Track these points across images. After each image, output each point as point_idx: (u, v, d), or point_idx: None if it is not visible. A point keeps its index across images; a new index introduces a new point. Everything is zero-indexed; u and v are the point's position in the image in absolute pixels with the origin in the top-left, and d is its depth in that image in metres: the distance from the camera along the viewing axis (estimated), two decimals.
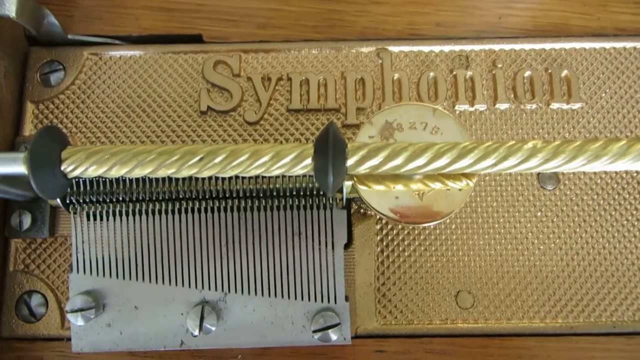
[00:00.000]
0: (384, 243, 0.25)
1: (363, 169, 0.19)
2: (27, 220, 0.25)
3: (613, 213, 0.25)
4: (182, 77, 0.27)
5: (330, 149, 0.18)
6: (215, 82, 0.27)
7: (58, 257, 0.25)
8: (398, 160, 0.19)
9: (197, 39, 0.27)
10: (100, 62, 0.27)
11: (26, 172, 0.19)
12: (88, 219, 0.22)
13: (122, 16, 0.28)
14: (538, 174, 0.26)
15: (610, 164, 0.19)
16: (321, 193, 0.22)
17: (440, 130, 0.21)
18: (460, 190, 0.21)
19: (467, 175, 0.22)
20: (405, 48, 0.27)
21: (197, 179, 0.21)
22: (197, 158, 0.19)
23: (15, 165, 0.19)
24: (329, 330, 0.21)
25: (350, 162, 0.19)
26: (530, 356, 0.24)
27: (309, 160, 0.19)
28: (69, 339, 0.24)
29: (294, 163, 0.19)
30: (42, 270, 0.25)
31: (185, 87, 0.27)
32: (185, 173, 0.19)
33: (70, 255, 0.25)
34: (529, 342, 0.24)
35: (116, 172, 0.19)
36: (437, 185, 0.22)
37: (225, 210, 0.22)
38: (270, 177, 0.21)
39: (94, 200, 0.22)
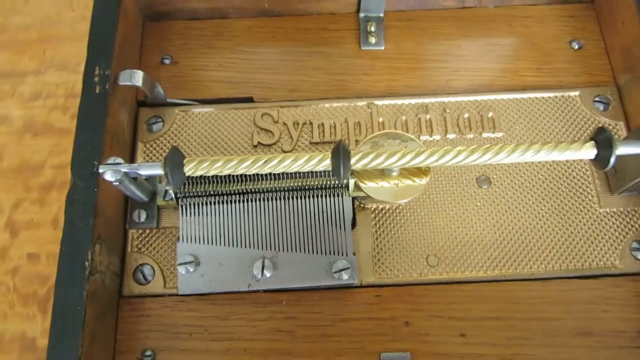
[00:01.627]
0: (377, 225, 0.37)
1: (360, 165, 0.32)
2: (142, 216, 0.38)
3: (527, 202, 0.38)
4: (240, 124, 0.41)
5: (341, 153, 0.31)
6: (262, 126, 0.40)
7: (161, 242, 0.37)
8: (380, 159, 0.32)
9: (249, 100, 0.42)
10: (186, 116, 0.41)
11: (163, 172, 0.32)
12: (189, 206, 0.35)
13: (200, 86, 0.42)
14: (476, 178, 0.39)
15: (507, 158, 0.32)
16: (337, 186, 0.35)
17: (406, 145, 0.35)
18: (420, 182, 0.35)
19: (424, 172, 0.35)
20: (386, 102, 0.41)
21: (259, 177, 0.34)
22: (262, 161, 0.32)
23: (156, 169, 0.32)
24: (343, 272, 0.33)
25: (352, 160, 0.32)
26: (476, 295, 0.36)
27: (328, 161, 0.32)
28: (169, 295, 0.36)
29: (319, 162, 0.32)
30: (150, 250, 0.37)
31: (243, 130, 0.40)
32: (254, 171, 0.32)
33: (170, 240, 0.37)
34: (475, 286, 0.36)
35: (213, 171, 0.32)
36: (406, 180, 0.35)
37: (277, 199, 0.35)
38: (304, 177, 0.34)
39: (193, 193, 0.35)
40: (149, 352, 0.34)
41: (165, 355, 0.34)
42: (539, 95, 0.41)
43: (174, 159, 0.31)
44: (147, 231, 0.37)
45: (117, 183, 0.32)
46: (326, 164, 0.32)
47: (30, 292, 0.42)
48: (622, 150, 0.31)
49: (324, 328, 0.35)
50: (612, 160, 0.31)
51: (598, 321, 0.35)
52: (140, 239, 0.37)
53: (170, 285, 0.36)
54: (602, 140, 0.31)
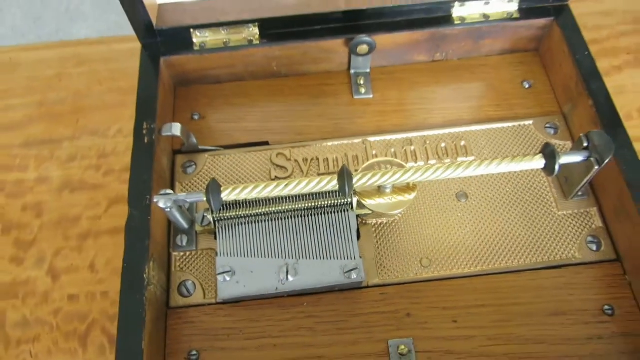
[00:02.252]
0: (377, 237, 0.45)
1: (361, 183, 0.40)
2: (184, 240, 0.45)
3: (499, 210, 0.46)
4: (259, 163, 0.49)
5: (345, 175, 0.40)
6: (277, 163, 0.49)
7: (200, 261, 0.45)
8: (377, 177, 0.40)
9: (266, 143, 0.50)
10: (215, 160, 0.50)
11: (205, 198, 0.40)
12: (225, 227, 0.43)
13: (224, 135, 0.51)
14: (456, 193, 0.47)
15: (475, 170, 0.40)
16: (343, 204, 0.43)
17: (394, 168, 0.43)
18: (409, 197, 0.43)
19: (412, 188, 0.43)
20: (377, 138, 0.50)
21: (280, 200, 0.42)
22: (283, 185, 0.40)
23: (200, 196, 0.40)
24: (352, 272, 0.41)
25: (354, 180, 0.40)
26: (464, 288, 0.43)
27: (335, 182, 0.40)
28: (208, 304, 0.43)
29: (328, 183, 0.40)
30: (191, 269, 0.45)
31: (262, 168, 0.49)
32: (276, 193, 0.40)
33: (207, 259, 0.45)
34: (462, 280, 0.43)
35: (244, 195, 0.40)
36: (398, 196, 0.43)
37: (295, 217, 0.43)
38: (316, 198, 0.43)
39: (228, 217, 0.43)
40: (194, 352, 0.41)
41: (208, 354, 0.41)
42: (500, 125, 0.50)
43: (214, 188, 0.40)
44: (188, 253, 0.45)
45: (168, 209, 0.41)
46: (334, 185, 0.40)
47: (71, 330, 0.47)
48: (563, 159, 0.40)
49: (339, 323, 0.42)
50: (557, 167, 0.40)
51: (565, 303, 0.42)
52: (182, 259, 0.45)
53: (209, 296, 0.43)
54: (548, 152, 0.40)
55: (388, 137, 0.50)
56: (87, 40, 0.68)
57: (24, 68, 0.64)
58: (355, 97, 0.52)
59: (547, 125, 0.50)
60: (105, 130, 0.58)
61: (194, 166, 0.49)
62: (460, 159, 0.48)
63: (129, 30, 0.51)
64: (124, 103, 0.60)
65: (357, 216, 0.45)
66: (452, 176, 0.40)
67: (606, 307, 0.42)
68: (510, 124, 0.50)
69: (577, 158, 0.41)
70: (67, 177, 0.55)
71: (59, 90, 0.61)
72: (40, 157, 0.57)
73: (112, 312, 0.48)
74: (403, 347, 0.40)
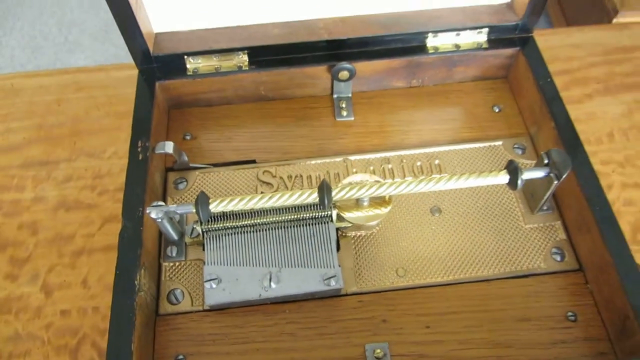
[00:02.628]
0: (356, 248, 0.48)
1: (339, 196, 0.43)
2: (174, 251, 0.48)
3: (470, 224, 0.49)
4: (247, 180, 0.52)
5: (324, 188, 0.43)
6: (264, 180, 0.52)
7: (188, 271, 0.47)
8: (353, 191, 0.43)
9: (253, 161, 0.53)
10: (205, 177, 0.53)
11: (194, 210, 0.43)
12: (212, 238, 0.46)
13: (215, 154, 0.54)
14: (430, 208, 0.50)
15: (446, 185, 0.44)
16: (323, 217, 0.46)
17: (370, 182, 0.47)
18: (385, 210, 0.46)
19: (387, 202, 0.46)
20: (357, 157, 0.53)
21: (264, 212, 0.45)
22: (267, 197, 0.43)
23: (189, 208, 0.43)
24: (331, 279, 0.44)
25: (333, 193, 0.43)
26: (437, 296, 0.45)
27: (315, 195, 0.43)
28: (195, 311, 0.45)
29: (309, 195, 0.43)
30: (179, 278, 0.47)
31: (249, 184, 0.52)
32: (261, 205, 0.43)
33: (195, 269, 0.47)
34: (435, 289, 0.46)
35: (231, 207, 0.43)
36: (375, 210, 0.46)
37: (279, 228, 0.46)
38: (299, 211, 0.46)
39: (215, 228, 0.46)
40: (181, 356, 0.43)
41: (194, 359, 0.43)
42: (472, 146, 0.54)
43: (202, 199, 0.43)
44: (177, 263, 0.48)
45: (159, 220, 0.43)
46: (314, 197, 0.43)
47: (62, 344, 0.49)
48: (525, 175, 0.44)
49: (319, 328, 0.44)
50: (519, 182, 0.43)
51: (531, 310, 0.45)
52: (172, 269, 0.47)
53: (196, 304, 0.46)
54: (512, 169, 0.44)
55: (367, 157, 0.53)
56: (86, 68, 0.72)
57: (25, 93, 0.67)
58: (338, 119, 0.56)
59: (515, 146, 0.53)
60: (101, 152, 0.61)
61: (185, 182, 0.52)
62: (434, 176, 0.52)
63: (126, 60, 0.55)
64: (120, 127, 0.63)
65: (337, 229, 0.48)
66: (423, 190, 0.43)
67: (569, 313, 0.44)
68: (481, 145, 0.54)
69: (538, 174, 0.44)
70: (63, 196, 0.57)
71: (57, 114, 0.64)
72: (37, 177, 0.59)
73: (103, 327, 0.49)
74: (379, 351, 0.43)
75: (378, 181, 0.47)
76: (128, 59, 0.56)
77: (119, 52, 1.89)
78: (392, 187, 0.43)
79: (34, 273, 0.53)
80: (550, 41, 0.69)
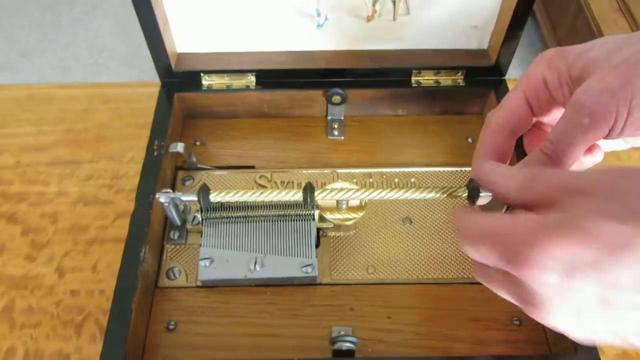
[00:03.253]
0: (334, 247, 0.55)
1: (320, 197, 0.50)
2: (176, 235, 0.55)
3: (437, 233, 0.56)
4: (245, 182, 0.60)
5: (308, 189, 0.50)
6: (260, 183, 0.60)
7: (187, 253, 0.54)
8: (333, 193, 0.51)
9: (252, 167, 0.61)
10: (209, 177, 0.60)
11: (197, 198, 0.50)
12: (210, 225, 0.53)
13: (219, 158, 0.62)
14: (402, 218, 0.57)
15: (412, 195, 0.51)
16: (307, 215, 0.53)
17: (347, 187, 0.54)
18: (360, 214, 0.53)
19: (362, 208, 0.54)
20: (344, 170, 0.61)
21: (256, 206, 0.53)
22: (259, 192, 0.51)
23: (193, 196, 0.50)
24: (308, 267, 0.50)
25: (316, 193, 0.51)
26: (400, 292, 0.52)
27: (300, 194, 0.51)
28: (189, 287, 0.52)
29: (294, 194, 0.50)
30: (179, 258, 0.54)
31: (246, 185, 0.59)
32: (254, 198, 0.50)
33: (193, 252, 0.54)
34: (399, 286, 0.52)
35: (228, 198, 0.51)
36: (352, 212, 0.54)
37: (267, 221, 0.53)
38: (286, 208, 0.53)
39: (213, 217, 0.53)
40: (172, 323, 0.50)
41: (184, 325, 0.50)
42: (445, 169, 0.61)
43: (204, 190, 0.50)
44: (178, 246, 0.55)
45: (166, 204, 0.51)
46: (299, 196, 0.51)
47: (69, 319, 0.54)
48: (483, 193, 0.51)
49: (295, 310, 0.51)
50: (476, 198, 0.50)
51: (482, 312, 0.51)
52: (173, 250, 0.55)
53: (190, 280, 0.52)
54: (471, 186, 0.51)
55: (353, 170, 0.61)
56: (114, 83, 0.80)
57: (58, 102, 0.75)
58: (329, 137, 0.64)
59: None
60: (121, 156, 0.68)
61: (192, 180, 0.60)
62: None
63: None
64: (139, 136, 0.70)
65: (319, 229, 0.55)
66: (388, 197, 0.49)
67: (515, 319, 0.51)
68: (453, 169, 0.61)
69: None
70: (83, 192, 0.64)
71: (85, 121, 0.72)
72: (62, 174, 0.66)
73: (106, 308, 0.55)
74: (343, 332, 0.49)
75: (358, 188, 0.55)
76: (151, 79, 0.64)
77: (143, 76, 2.02)
78: (365, 192, 0.50)
79: (50, 256, 0.59)
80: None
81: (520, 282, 0.29)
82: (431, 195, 0.50)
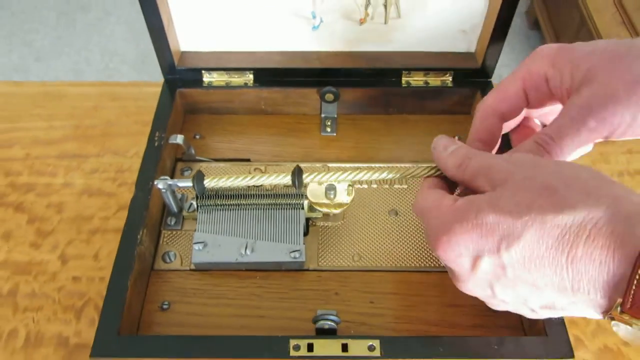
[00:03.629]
0: (322, 236, 0.57)
1: (309, 179, 0.53)
2: (173, 221, 0.58)
3: (419, 225, 0.58)
4: (240, 173, 0.62)
5: (296, 173, 0.53)
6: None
7: (183, 239, 0.57)
8: (320, 176, 0.53)
9: (248, 160, 0.64)
10: (207, 168, 0.63)
11: (192, 185, 0.53)
12: (204, 211, 0.56)
13: (217, 151, 0.65)
14: (388, 211, 0.60)
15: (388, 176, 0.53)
16: (296, 202, 0.56)
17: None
18: (347, 203, 0.56)
19: (349, 195, 0.56)
20: (335, 164, 0.63)
21: (248, 195, 0.56)
22: (250, 177, 0.54)
23: (188, 182, 0.53)
24: (296, 252, 0.53)
25: (304, 176, 0.53)
26: (382, 279, 0.54)
27: (289, 177, 0.53)
28: (183, 270, 0.55)
29: (284, 177, 0.53)
30: (174, 243, 0.57)
31: None
32: (245, 183, 0.53)
33: (188, 238, 0.57)
34: (382, 273, 0.54)
35: (221, 184, 0.53)
36: (339, 201, 0.56)
37: (259, 209, 0.56)
38: (277, 197, 0.56)
39: (207, 203, 0.56)
40: (166, 302, 0.53)
41: (177, 305, 0.53)
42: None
43: (199, 176, 0.53)
44: (175, 232, 0.58)
45: (164, 191, 0.54)
46: (288, 179, 0.53)
47: (70, 304, 0.55)
48: None
49: (282, 294, 0.53)
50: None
51: (460, 299, 0.53)
52: (169, 236, 0.58)
53: (185, 264, 0.55)
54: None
55: (343, 165, 0.64)
56: (122, 82, 0.84)
57: (68, 99, 0.78)
58: (322, 134, 0.67)
59: None
60: (125, 151, 0.70)
61: (190, 171, 0.63)
62: (396, 186, 0.62)
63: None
64: (144, 132, 0.70)
65: (309, 219, 0.58)
66: (365, 178, 0.50)
67: None
68: None
69: None
70: (88, 185, 0.67)
71: (93, 118, 0.73)
72: (69, 167, 0.70)
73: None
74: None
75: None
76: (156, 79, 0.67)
77: (152, 80, 2.07)
78: (352, 174, 0.53)
79: (54, 244, 0.62)
80: None
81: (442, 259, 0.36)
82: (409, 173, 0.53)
